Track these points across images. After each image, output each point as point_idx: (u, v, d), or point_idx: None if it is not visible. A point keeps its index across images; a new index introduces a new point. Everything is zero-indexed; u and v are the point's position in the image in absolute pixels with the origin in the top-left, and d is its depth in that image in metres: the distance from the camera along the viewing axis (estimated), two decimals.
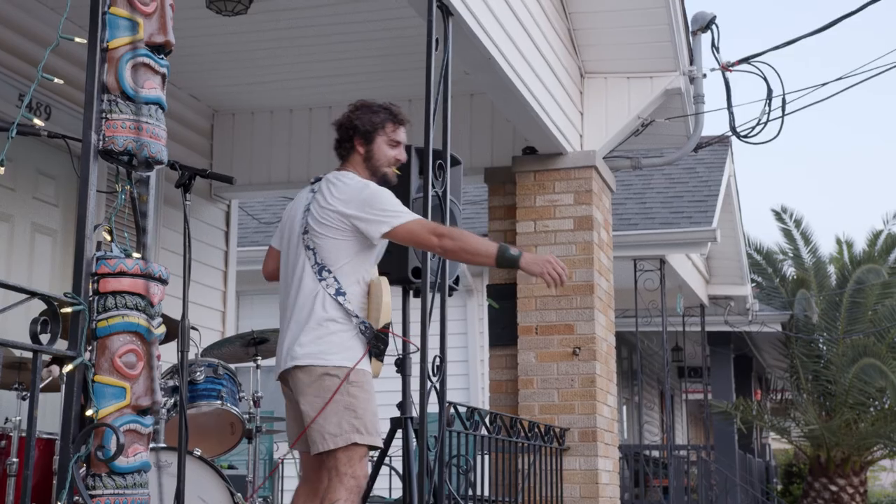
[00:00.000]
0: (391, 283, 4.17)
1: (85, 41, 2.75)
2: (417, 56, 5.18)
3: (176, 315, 4.02)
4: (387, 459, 4.81)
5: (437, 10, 4.92)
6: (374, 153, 4.09)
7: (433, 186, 4.66)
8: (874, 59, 8.38)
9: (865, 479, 15.92)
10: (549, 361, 7.15)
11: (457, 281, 5.10)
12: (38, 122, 3.20)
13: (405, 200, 4.37)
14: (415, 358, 4.57)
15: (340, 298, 3.84)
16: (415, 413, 4.60)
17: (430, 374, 4.59)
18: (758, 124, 7.93)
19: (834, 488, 15.31)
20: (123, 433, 2.58)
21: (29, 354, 2.64)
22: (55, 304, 2.58)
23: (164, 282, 2.78)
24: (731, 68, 7.95)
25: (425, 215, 4.47)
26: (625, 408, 16.81)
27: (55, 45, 2.72)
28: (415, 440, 4.55)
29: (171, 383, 4.77)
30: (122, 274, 2.67)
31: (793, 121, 23.19)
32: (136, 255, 2.77)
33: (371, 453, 4.11)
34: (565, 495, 6.96)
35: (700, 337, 14.55)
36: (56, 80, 2.81)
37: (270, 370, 4.45)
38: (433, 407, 4.63)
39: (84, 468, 2.60)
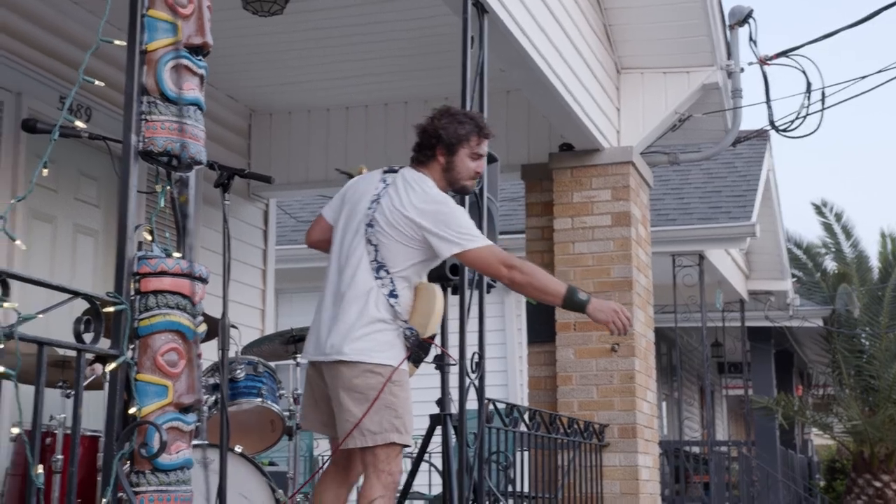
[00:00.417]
0: (429, 279, 4.10)
1: (124, 44, 2.77)
2: (449, 54, 5.17)
3: (216, 313, 4.05)
4: (426, 456, 4.83)
5: (472, 7, 4.92)
6: (455, 165, 3.97)
7: None
8: None
9: None
10: (587, 358, 7.14)
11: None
12: (79, 123, 3.23)
13: None
14: (454, 354, 4.56)
15: (392, 300, 3.80)
16: (454, 410, 4.61)
17: (469, 370, 4.60)
18: (797, 118, 7.88)
19: (878, 484, 15.13)
20: (166, 430, 2.61)
21: (73, 353, 2.67)
22: (98, 303, 2.61)
23: (204, 281, 2.81)
24: (769, 62, 7.90)
25: None
26: (664, 404, 16.72)
27: (95, 48, 2.73)
28: (454, 437, 4.56)
29: (211, 381, 4.81)
30: (163, 273, 2.70)
31: (828, 114, 22.97)
32: (176, 254, 2.80)
33: (408, 449, 4.10)
34: (605, 491, 6.96)
35: (740, 332, 14.46)
36: (96, 82, 2.84)
37: None
38: (472, 404, 4.64)
39: (128, 465, 2.63)
